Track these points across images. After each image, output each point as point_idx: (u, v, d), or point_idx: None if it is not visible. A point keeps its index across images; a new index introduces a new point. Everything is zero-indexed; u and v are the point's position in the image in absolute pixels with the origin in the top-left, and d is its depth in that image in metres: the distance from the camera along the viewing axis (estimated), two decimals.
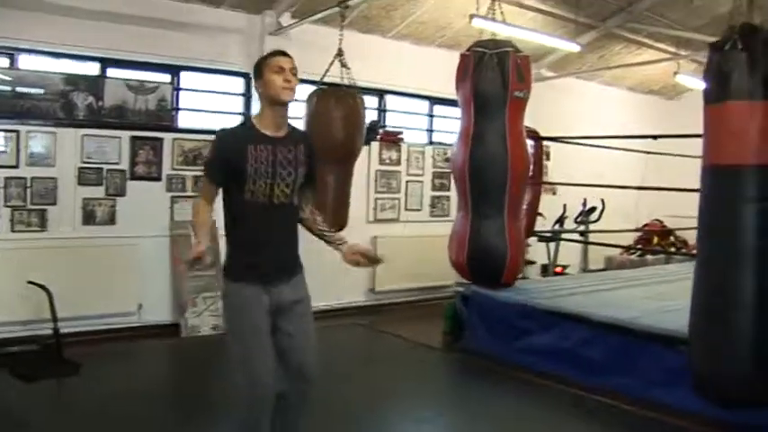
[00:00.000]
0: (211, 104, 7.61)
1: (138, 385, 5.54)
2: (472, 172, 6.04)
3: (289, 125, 3.20)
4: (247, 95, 7.81)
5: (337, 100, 6.07)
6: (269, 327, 3.13)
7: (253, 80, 3.22)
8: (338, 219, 6.06)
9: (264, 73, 3.10)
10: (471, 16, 7.14)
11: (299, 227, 3.34)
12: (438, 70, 8.56)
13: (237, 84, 7.85)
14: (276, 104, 3.09)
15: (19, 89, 6.45)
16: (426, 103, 9.42)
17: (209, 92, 7.68)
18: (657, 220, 11.58)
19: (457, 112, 9.37)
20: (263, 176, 3.05)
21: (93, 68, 6.95)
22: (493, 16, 6.93)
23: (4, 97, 6.39)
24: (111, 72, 7.01)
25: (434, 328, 7.29)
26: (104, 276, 6.68)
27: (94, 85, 6.84)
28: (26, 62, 6.65)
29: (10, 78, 6.45)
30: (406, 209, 8.96)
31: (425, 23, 8.58)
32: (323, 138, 5.87)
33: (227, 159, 3.05)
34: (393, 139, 8.75)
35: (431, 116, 9.51)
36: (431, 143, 9.41)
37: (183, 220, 7.11)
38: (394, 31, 8.57)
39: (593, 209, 9.31)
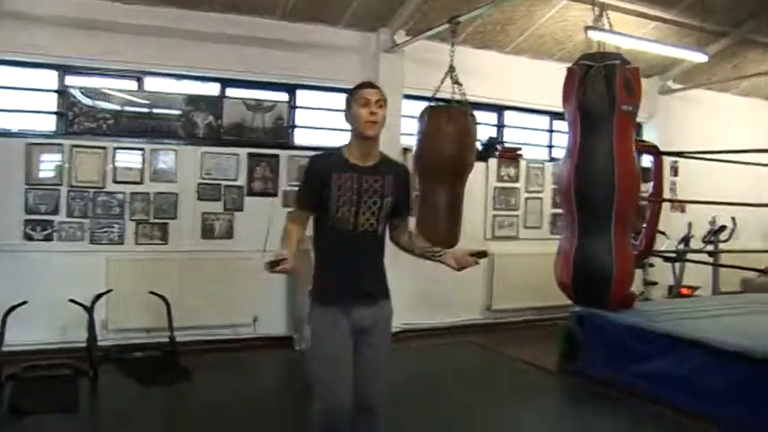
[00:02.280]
0: (327, 121, 7.65)
1: (247, 395, 5.55)
2: (577, 189, 5.71)
3: (381, 155, 3.15)
4: None
5: (449, 117, 5.88)
6: (350, 350, 3.11)
7: (345, 111, 3.18)
8: (450, 237, 5.84)
9: (352, 105, 3.07)
10: (586, 28, 6.79)
11: (404, 253, 3.36)
12: (558, 84, 7.84)
13: None
14: (361, 138, 3.05)
15: (144, 110, 6.64)
16: (546, 119, 9.10)
17: (325, 109, 7.67)
18: None
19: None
20: (347, 204, 3.03)
21: (213, 89, 7.13)
22: (610, 27, 6.54)
23: (136, 118, 6.61)
24: (230, 92, 7.15)
25: (550, 349, 6.93)
26: (221, 288, 6.76)
27: (214, 104, 6.99)
28: (151, 84, 6.89)
29: (136, 101, 6.66)
30: (525, 226, 8.67)
31: (543, 37, 8.30)
32: (434, 154, 5.83)
33: (315, 186, 3.05)
34: (511, 156, 8.49)
35: (551, 131, 9.20)
36: (551, 159, 9.05)
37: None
38: (511, 45, 8.34)
39: (722, 227, 8.62)
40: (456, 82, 6.22)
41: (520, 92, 8.47)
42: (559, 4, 7.71)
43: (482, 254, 3.27)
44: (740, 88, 10.36)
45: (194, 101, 6.91)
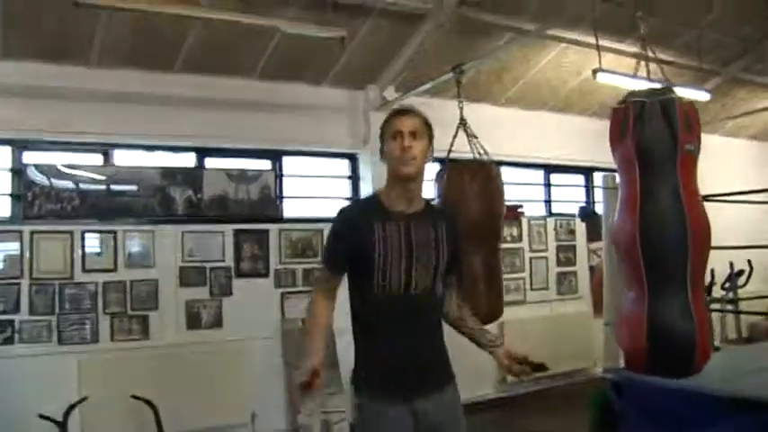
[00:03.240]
0: (317, 190, 7.10)
1: None
2: (645, 242, 4.93)
3: (425, 200, 2.74)
4: (354, 177, 7.23)
5: (473, 174, 5.24)
6: None
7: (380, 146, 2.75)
8: (494, 311, 5.14)
9: (384, 139, 2.69)
10: (595, 71, 6.38)
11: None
12: (551, 135, 8.17)
13: (343, 166, 7.28)
14: (398, 179, 2.64)
15: (114, 187, 5.83)
16: (541, 173, 8.68)
17: (314, 176, 7.14)
18: None
19: (574, 179, 9.01)
20: (397, 262, 2.57)
21: (189, 160, 6.42)
22: (614, 70, 6.27)
23: (105, 196, 5.83)
24: (209, 162, 6.49)
25: (576, 421, 6.13)
26: (214, 385, 5.94)
27: (192, 177, 6.26)
28: (120, 158, 6.13)
29: (104, 177, 5.84)
30: (532, 288, 8.08)
31: (538, 85, 7.86)
32: (462, 219, 5.13)
33: (351, 242, 2.60)
34: (514, 214, 7.87)
35: (548, 185, 8.75)
36: (550, 214, 8.61)
37: (296, 317, 6.37)
38: (504, 96, 7.87)
39: (740, 272, 8.10)
40: (471, 135, 5.72)
41: (514, 145, 7.95)
42: (556, 49, 7.29)
43: (541, 367, 2.74)
44: (727, 128, 10.07)
45: (170, 174, 6.15)
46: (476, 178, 5.26)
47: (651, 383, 5.48)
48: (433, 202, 2.89)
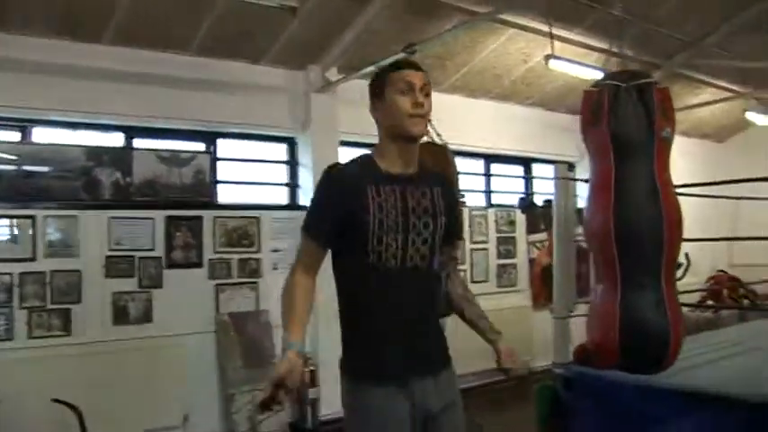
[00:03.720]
0: (254, 176, 6.74)
1: None
2: (619, 232, 4.70)
3: (419, 161, 2.48)
4: (293, 163, 6.90)
5: (432, 156, 4.98)
6: None
7: (369, 102, 2.47)
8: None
9: (386, 92, 2.39)
10: (547, 57, 6.37)
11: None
12: (493, 125, 8.08)
13: (281, 151, 6.93)
14: (402, 139, 2.40)
15: (30, 167, 5.25)
16: (482, 162, 8.59)
17: (251, 161, 6.78)
18: (722, 270, 10.34)
19: (514, 170, 8.95)
20: (393, 230, 2.35)
21: (117, 139, 5.91)
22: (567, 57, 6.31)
23: (22, 177, 5.26)
24: (139, 143, 6.00)
25: (523, 416, 5.90)
26: (142, 385, 5.47)
27: (120, 158, 5.75)
28: (40, 135, 5.55)
29: (15, 157, 5.25)
30: (473, 281, 7.88)
31: (483, 73, 7.68)
32: None
33: (341, 206, 2.34)
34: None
35: (488, 175, 8.66)
36: (491, 205, 8.51)
37: (232, 311, 6.09)
38: (447, 82, 7.63)
39: (679, 265, 8.07)
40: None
41: (455, 134, 7.52)
42: (504, 36, 7.11)
43: (527, 370, 2.72)
44: None
45: (96, 154, 5.61)
46: (437, 161, 4.95)
47: (603, 378, 5.31)
48: (427, 164, 2.57)
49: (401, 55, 5.60)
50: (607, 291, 4.98)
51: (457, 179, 5.32)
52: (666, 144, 4.98)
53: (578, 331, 5.91)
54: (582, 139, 4.89)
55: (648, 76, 5.06)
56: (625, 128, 4.85)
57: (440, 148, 5.25)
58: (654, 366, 5.02)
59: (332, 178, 2.39)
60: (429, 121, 5.04)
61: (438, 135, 5.36)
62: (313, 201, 2.42)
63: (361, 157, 2.52)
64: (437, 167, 4.92)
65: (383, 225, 2.34)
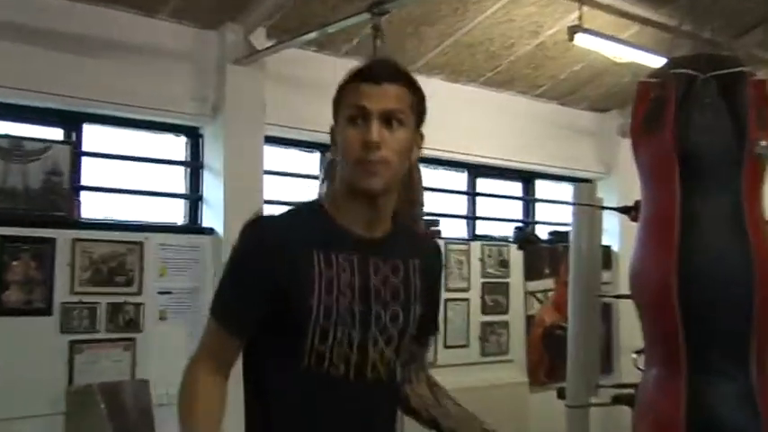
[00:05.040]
0: (137, 181, 6.68)
1: None
2: (687, 292, 4.52)
3: (393, 215, 2.45)
4: (195, 164, 6.77)
5: None
6: None
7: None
8: None
9: (338, 118, 2.34)
10: (572, 30, 6.24)
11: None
12: (482, 121, 8.09)
13: (179, 145, 6.88)
14: (354, 192, 2.33)
15: None
16: (464, 176, 8.64)
17: (134, 159, 6.67)
18: None
19: (509, 187, 9.12)
20: (346, 322, 2.28)
21: None
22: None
23: None
24: None
25: None
26: None
27: None
28: None
29: None
30: (446, 346, 7.81)
31: (472, 47, 7.60)
32: None
33: (269, 282, 2.27)
34: (425, 234, 7.43)
35: (472, 194, 8.67)
36: (475, 237, 8.54)
37: (92, 382, 5.78)
38: (422, 60, 7.55)
39: None
40: None
41: (427, 132, 7.44)
42: None
43: None
44: None
45: None
46: None
47: None
48: (403, 222, 2.52)
49: (363, 18, 5.66)
50: (666, 378, 4.89)
51: (421, 198, 5.54)
52: (761, 163, 4.76)
53: (602, 428, 5.70)
54: (633, 150, 4.81)
55: (738, 62, 4.86)
56: (700, 138, 4.68)
57: None
58: None
59: (258, 237, 2.30)
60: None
61: None
62: (229, 271, 2.33)
63: (304, 205, 2.52)
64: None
65: (331, 313, 2.25)
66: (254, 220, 2.33)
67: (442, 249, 7.31)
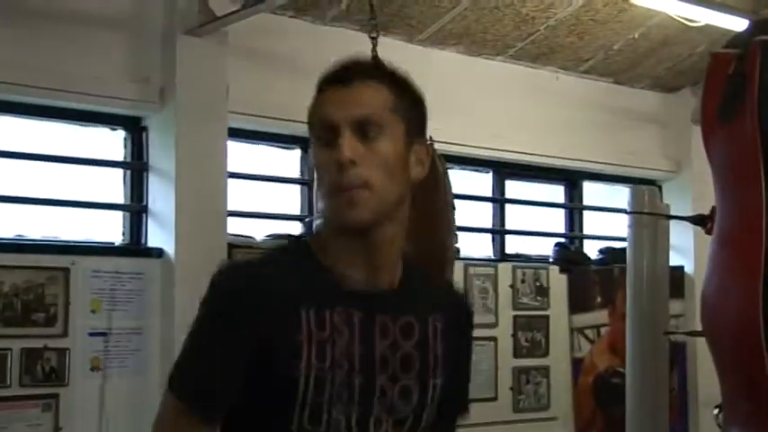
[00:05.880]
0: (63, 187, 6.52)
1: None
2: None
3: (404, 262, 2.41)
4: (136, 165, 6.66)
5: None
6: None
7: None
8: None
9: (311, 138, 2.41)
10: None
11: None
12: (511, 107, 8.04)
13: (116, 141, 6.74)
14: (340, 230, 2.33)
15: None
16: (489, 176, 8.52)
17: (58, 159, 6.53)
18: None
19: (549, 192, 9.12)
20: (341, 399, 2.22)
21: None
22: None
23: None
24: None
25: None
26: None
27: None
28: None
29: None
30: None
31: (496, 11, 7.42)
32: None
33: (246, 348, 2.21)
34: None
35: (500, 201, 8.55)
36: (504, 257, 8.42)
37: None
38: (432, 28, 7.52)
39: None
40: None
41: (441, 123, 7.25)
42: None
43: None
44: None
45: None
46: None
47: None
48: (417, 267, 2.49)
49: None
50: None
51: (450, 236, 5.62)
52: None
53: None
54: (703, 143, 4.69)
55: None
56: None
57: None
58: None
59: (231, 292, 2.26)
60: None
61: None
62: (195, 335, 2.27)
63: (288, 248, 2.63)
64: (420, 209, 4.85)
65: (323, 388, 2.23)
66: (227, 269, 2.33)
67: (460, 275, 7.22)
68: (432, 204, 5.27)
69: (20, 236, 6.25)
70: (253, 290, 2.25)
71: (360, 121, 2.22)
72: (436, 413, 2.39)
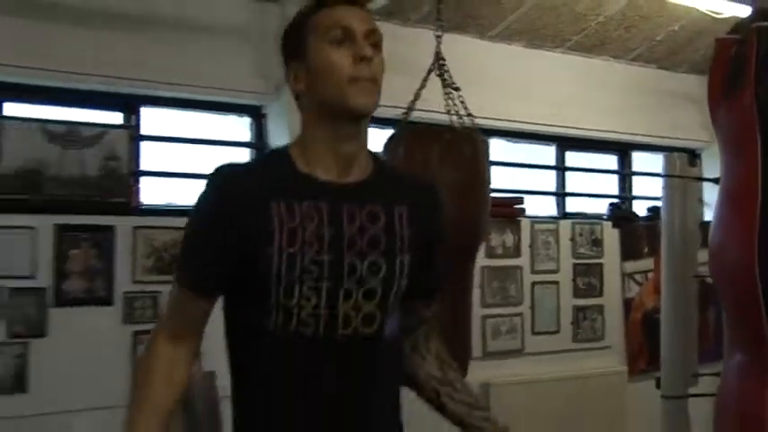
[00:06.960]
0: (198, 165, 6.61)
1: None
2: (766, 269, 4.48)
3: (375, 158, 2.47)
4: (258, 145, 6.91)
5: (444, 148, 5.21)
6: None
7: (284, 66, 2.42)
8: (462, 357, 5.11)
9: (308, 47, 2.32)
10: None
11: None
12: (570, 90, 8.11)
13: (242, 126, 6.99)
14: (340, 120, 2.31)
15: None
16: (552, 149, 8.63)
17: (195, 141, 6.81)
18: None
19: (602, 160, 9.24)
20: (312, 275, 2.24)
21: None
22: None
23: None
24: (11, 108, 6.05)
25: None
26: None
27: None
28: None
29: None
30: (534, 332, 7.91)
31: (554, 9, 7.59)
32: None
33: (230, 233, 2.26)
34: (507, 213, 7.65)
35: (561, 169, 8.67)
36: (565, 215, 8.51)
37: None
38: (499, 26, 7.60)
39: None
40: (451, 85, 5.57)
41: (508, 105, 7.82)
42: None
43: None
44: None
45: None
46: (449, 154, 5.19)
47: None
48: (390, 164, 2.67)
49: None
50: (749, 367, 4.72)
51: (486, 182, 5.45)
52: None
53: (702, 420, 5.67)
54: (710, 116, 4.82)
55: None
56: None
57: (463, 137, 5.35)
58: None
59: (217, 188, 2.29)
60: (454, 89, 5.02)
61: (461, 116, 5.52)
62: (192, 227, 2.34)
63: (268, 153, 2.63)
64: (454, 170, 5.02)
65: (295, 266, 2.20)
66: (216, 169, 2.34)
67: (527, 232, 7.49)
68: (470, 178, 5.28)
69: (168, 203, 6.50)
70: (232, 186, 2.30)
71: (371, 33, 2.29)
72: (407, 292, 2.43)
